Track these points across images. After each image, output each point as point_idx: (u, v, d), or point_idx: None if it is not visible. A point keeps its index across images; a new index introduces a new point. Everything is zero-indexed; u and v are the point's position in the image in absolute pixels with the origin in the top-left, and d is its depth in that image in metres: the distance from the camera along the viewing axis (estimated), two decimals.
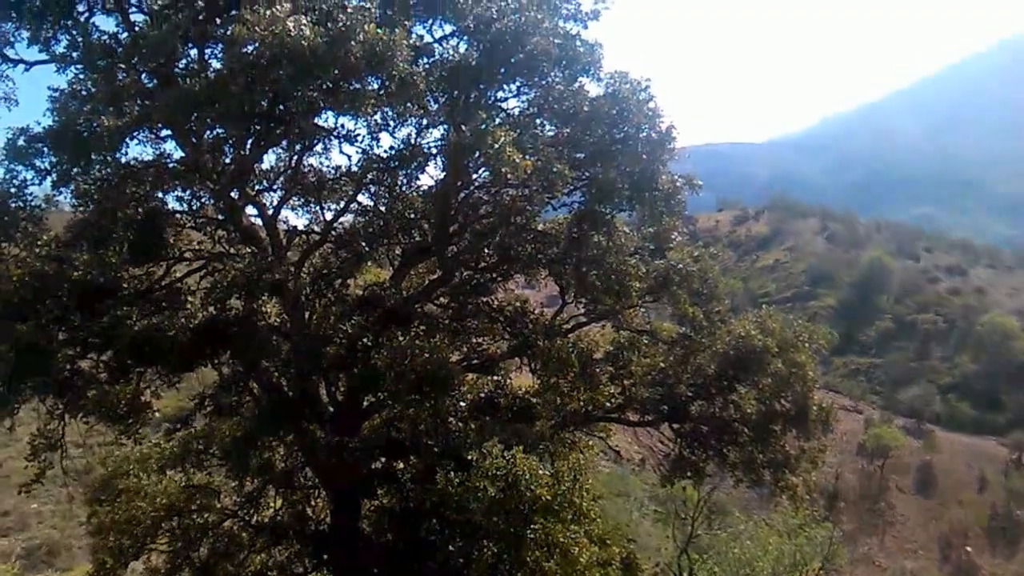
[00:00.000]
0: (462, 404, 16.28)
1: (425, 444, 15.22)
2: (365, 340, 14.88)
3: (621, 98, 15.23)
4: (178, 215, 17.68)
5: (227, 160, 16.09)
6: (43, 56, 16.01)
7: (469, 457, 12.83)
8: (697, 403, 17.36)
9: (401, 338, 15.09)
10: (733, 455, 16.68)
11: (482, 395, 17.45)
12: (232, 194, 16.53)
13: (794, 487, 16.59)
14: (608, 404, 18.39)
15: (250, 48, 12.78)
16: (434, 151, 15.59)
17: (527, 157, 13.23)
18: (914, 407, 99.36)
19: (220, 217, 17.60)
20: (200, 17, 16.00)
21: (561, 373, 17.02)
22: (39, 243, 14.75)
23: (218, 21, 16.36)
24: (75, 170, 14.85)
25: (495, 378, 18.06)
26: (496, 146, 12.90)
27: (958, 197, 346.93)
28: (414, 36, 15.09)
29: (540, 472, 12.46)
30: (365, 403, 17.34)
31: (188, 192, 17.15)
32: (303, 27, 12.73)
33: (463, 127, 14.47)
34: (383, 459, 16.72)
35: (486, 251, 17.61)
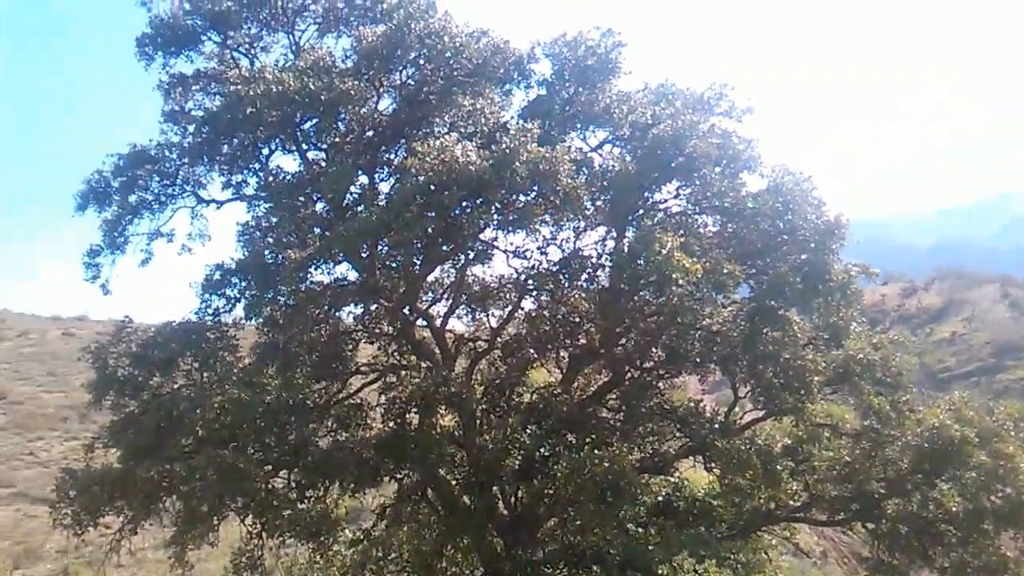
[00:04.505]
0: (641, 509, 15.92)
1: (607, 553, 14.93)
2: (542, 451, 14.92)
3: (785, 191, 15.00)
4: (354, 332, 18.57)
5: (397, 277, 16.82)
6: (231, 195, 17.51)
7: (660, 572, 12.43)
8: (892, 500, 16.23)
9: (576, 444, 15.03)
10: (940, 559, 15.40)
11: (659, 498, 17.02)
12: (405, 310, 17.21)
13: None
14: (792, 502, 17.53)
15: (421, 177, 13.41)
16: (601, 259, 15.75)
17: (696, 260, 13.12)
18: None
19: (393, 331, 18.31)
20: (369, 146, 17.14)
21: (741, 473, 16.39)
22: (236, 371, 15.74)
23: (383, 148, 17.48)
24: (265, 298, 15.94)
25: (672, 479, 17.61)
26: (664, 252, 12.88)
27: None
28: (572, 148, 15.50)
29: None
30: (541, 509, 17.28)
31: (362, 308, 17.89)
32: (469, 153, 13.32)
33: (627, 233, 14.58)
34: (564, 569, 16.47)
35: (653, 350, 17.42)
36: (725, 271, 13.65)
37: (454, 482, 17.28)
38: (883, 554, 16.27)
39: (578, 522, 15.24)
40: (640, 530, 15.37)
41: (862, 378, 16.28)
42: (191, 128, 17.03)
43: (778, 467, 16.54)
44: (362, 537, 18.31)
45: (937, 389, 48.85)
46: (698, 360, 16.43)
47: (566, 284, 16.91)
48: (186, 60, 17.49)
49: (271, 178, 16.73)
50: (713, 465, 16.48)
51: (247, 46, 17.82)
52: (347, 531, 17.64)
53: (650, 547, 14.65)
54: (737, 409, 17.92)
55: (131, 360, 16.05)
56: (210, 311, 16.24)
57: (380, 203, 15.32)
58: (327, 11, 17.52)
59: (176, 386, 16.13)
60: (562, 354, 18.51)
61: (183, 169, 17.21)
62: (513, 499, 17.16)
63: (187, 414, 14.93)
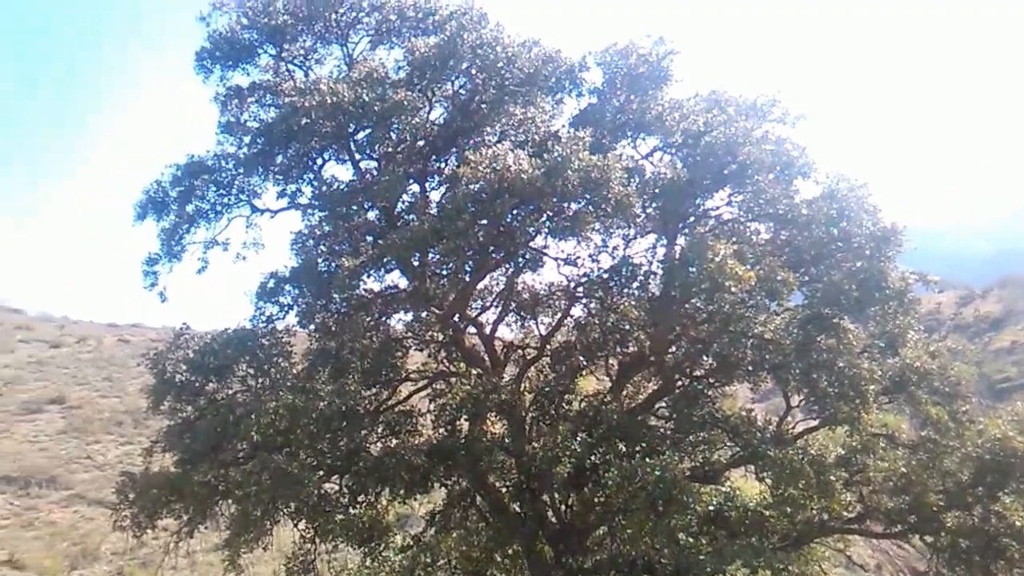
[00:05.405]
0: (692, 519, 15.77)
1: (658, 563, 14.82)
2: (593, 459, 14.87)
3: (840, 197, 14.83)
4: (405, 339, 18.72)
5: (448, 285, 16.93)
6: (286, 205, 17.82)
7: None
8: (952, 513, 15.88)
9: (627, 453, 14.95)
10: (1003, 575, 15.02)
11: (711, 508, 16.83)
12: (455, 318, 17.31)
13: None
14: (846, 513, 17.26)
15: (473, 185, 13.51)
16: (653, 267, 15.69)
17: (749, 268, 13.01)
18: None
19: (443, 339, 18.42)
20: (420, 155, 17.31)
21: (793, 483, 16.18)
22: (290, 377, 15.98)
23: (435, 157, 17.64)
24: (317, 306, 16.18)
25: (723, 489, 17.41)
26: (716, 259, 12.80)
27: None
28: (624, 156, 15.49)
29: None
30: (592, 517, 17.22)
31: (412, 315, 18.02)
32: (521, 161, 13.39)
33: (678, 240, 14.50)
34: None
35: (704, 358, 17.27)
36: (779, 278, 13.53)
37: (503, 489, 17.31)
38: (943, 568, 15.92)
39: (629, 531, 15.18)
40: (691, 540, 15.21)
41: (919, 387, 16.05)
42: (247, 139, 17.36)
43: (831, 477, 16.29)
44: (412, 543, 18.43)
45: (996, 399, 47.45)
46: (750, 368, 16.24)
47: (616, 291, 16.85)
48: (242, 72, 17.88)
49: (324, 187, 16.99)
50: (765, 475, 16.29)
51: (302, 58, 18.16)
52: (397, 536, 17.78)
53: (701, 557, 14.50)
54: (789, 418, 17.72)
55: (188, 366, 16.38)
56: (264, 318, 16.54)
57: (432, 212, 15.48)
58: (380, 23, 17.77)
59: (232, 392, 16.43)
60: (611, 362, 18.42)
61: (239, 179, 17.55)
62: (563, 507, 17.12)
63: (242, 419, 15.19)
